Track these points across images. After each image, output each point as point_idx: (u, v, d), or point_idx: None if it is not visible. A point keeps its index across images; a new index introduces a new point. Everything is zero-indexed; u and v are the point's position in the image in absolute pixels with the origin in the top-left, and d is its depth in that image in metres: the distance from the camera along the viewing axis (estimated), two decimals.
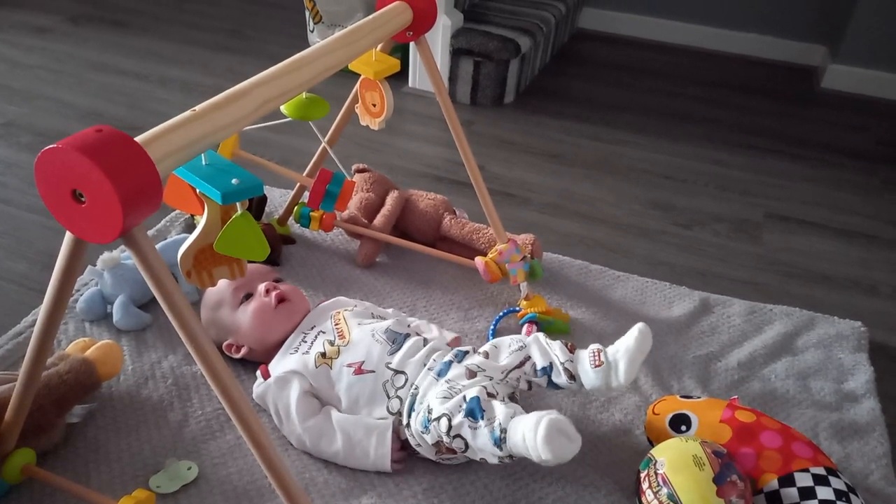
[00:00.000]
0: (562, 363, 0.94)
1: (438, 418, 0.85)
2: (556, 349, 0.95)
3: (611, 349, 0.93)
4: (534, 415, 0.80)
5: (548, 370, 0.94)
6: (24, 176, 1.57)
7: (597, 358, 0.92)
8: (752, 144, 1.98)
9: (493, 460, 0.84)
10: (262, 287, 1.07)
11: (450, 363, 0.96)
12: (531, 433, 0.78)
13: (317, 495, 0.91)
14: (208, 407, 1.02)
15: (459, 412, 0.84)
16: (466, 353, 0.98)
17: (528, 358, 0.95)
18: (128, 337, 1.13)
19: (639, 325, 0.94)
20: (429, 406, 0.89)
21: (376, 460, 0.93)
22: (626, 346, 0.92)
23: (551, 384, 0.96)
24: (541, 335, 0.99)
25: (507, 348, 0.97)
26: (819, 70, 2.48)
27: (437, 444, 0.89)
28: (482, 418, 0.82)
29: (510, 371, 0.95)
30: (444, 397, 0.88)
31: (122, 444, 0.96)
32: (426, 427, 0.88)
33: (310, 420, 0.95)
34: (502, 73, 2.05)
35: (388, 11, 0.99)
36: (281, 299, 1.06)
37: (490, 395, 0.87)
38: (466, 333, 1.20)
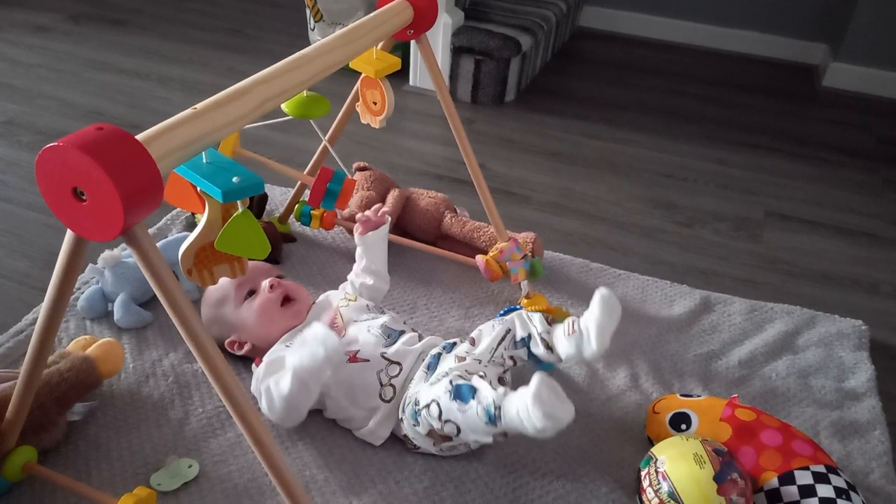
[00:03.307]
0: (539, 333, 0.98)
1: (428, 405, 0.87)
2: (536, 320, 1.00)
3: (582, 319, 0.95)
4: (525, 388, 0.81)
5: (526, 341, 0.99)
6: (24, 174, 1.57)
7: (570, 327, 0.95)
8: (752, 143, 1.98)
9: (487, 439, 0.86)
10: (265, 283, 1.07)
11: (439, 356, 0.99)
12: (523, 403, 0.79)
13: (317, 493, 0.91)
14: (209, 405, 1.02)
15: (446, 395, 0.85)
16: (455, 343, 1.02)
17: (509, 331, 0.99)
18: (129, 335, 1.13)
19: (600, 290, 0.95)
20: (416, 398, 0.90)
21: (329, 353, 0.89)
22: (593, 315, 0.94)
23: (531, 356, 0.99)
24: (522, 311, 1.03)
25: (490, 329, 1.01)
26: (820, 68, 2.48)
27: (430, 433, 0.89)
28: (473, 398, 0.84)
29: (495, 348, 0.98)
30: (431, 384, 0.90)
31: (122, 442, 0.96)
32: (415, 419, 0.90)
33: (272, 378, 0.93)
34: (503, 71, 2.05)
35: (388, 10, 0.98)
36: (287, 298, 1.06)
37: (479, 378, 0.89)
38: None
